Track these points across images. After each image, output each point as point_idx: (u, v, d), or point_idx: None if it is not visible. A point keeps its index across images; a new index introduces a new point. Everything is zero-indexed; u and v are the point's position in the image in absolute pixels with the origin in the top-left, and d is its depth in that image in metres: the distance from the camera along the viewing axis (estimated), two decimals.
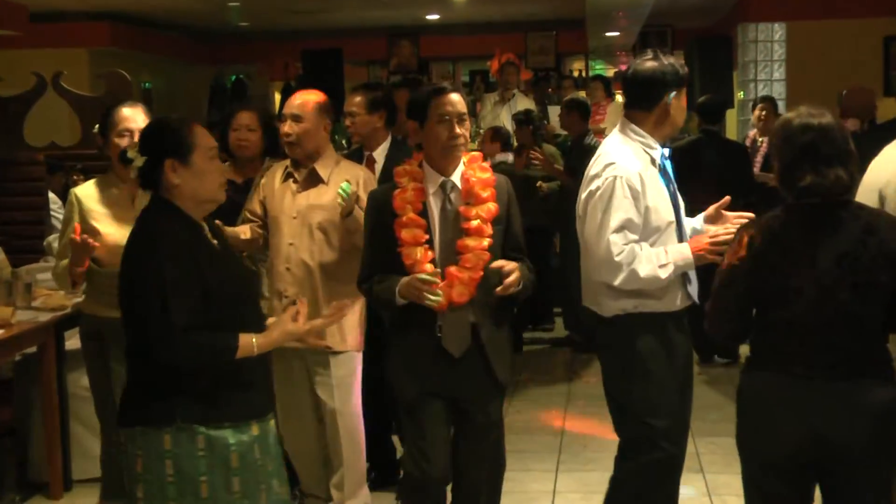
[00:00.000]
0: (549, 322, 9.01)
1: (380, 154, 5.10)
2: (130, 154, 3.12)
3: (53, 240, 6.46)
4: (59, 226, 6.96)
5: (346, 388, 4.54)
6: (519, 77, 10.41)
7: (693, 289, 3.81)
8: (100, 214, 4.32)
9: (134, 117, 4.32)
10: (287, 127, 4.48)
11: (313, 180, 4.50)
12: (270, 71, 16.66)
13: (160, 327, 2.91)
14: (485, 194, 3.74)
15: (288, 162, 4.59)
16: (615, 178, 3.63)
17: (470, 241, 3.69)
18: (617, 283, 3.62)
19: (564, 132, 9.16)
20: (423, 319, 3.66)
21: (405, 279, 3.62)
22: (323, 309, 4.28)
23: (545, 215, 8.20)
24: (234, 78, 17.24)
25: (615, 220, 3.61)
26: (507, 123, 9.14)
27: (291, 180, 4.53)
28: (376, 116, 5.05)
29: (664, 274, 3.63)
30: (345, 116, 5.13)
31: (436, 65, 16.76)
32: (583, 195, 3.73)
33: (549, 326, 9.01)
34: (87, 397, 4.82)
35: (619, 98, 12.36)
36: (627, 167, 3.66)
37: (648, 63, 3.74)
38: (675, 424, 3.77)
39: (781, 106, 13.07)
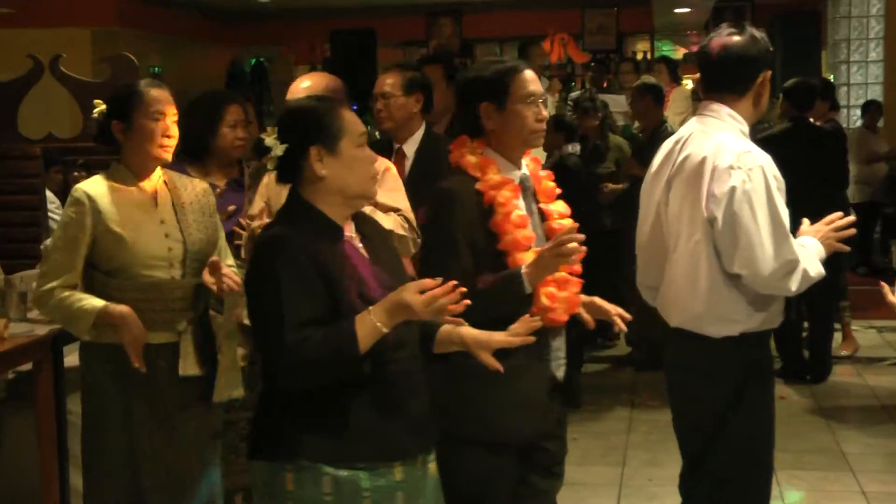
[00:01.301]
0: (610, 338, 8.97)
1: (410, 147, 4.96)
2: (269, 142, 3.03)
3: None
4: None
5: None
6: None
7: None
8: (121, 219, 3.92)
9: (166, 99, 4.06)
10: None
11: None
12: (295, 54, 16.73)
13: (276, 350, 2.83)
14: (557, 191, 3.69)
15: None
16: (762, 167, 3.53)
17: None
18: (794, 287, 3.52)
19: (622, 123, 9.13)
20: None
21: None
22: None
23: (608, 217, 8.17)
24: (253, 62, 17.35)
25: (781, 215, 3.51)
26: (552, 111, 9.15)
27: None
28: (413, 99, 4.91)
29: (819, 269, 3.58)
30: (374, 100, 4.99)
31: (480, 46, 16.75)
32: (715, 190, 3.55)
33: (610, 343, 8.97)
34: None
35: (688, 84, 12.31)
36: (764, 155, 3.58)
37: (737, 38, 3.65)
38: (771, 460, 3.76)
39: (878, 92, 12.96)
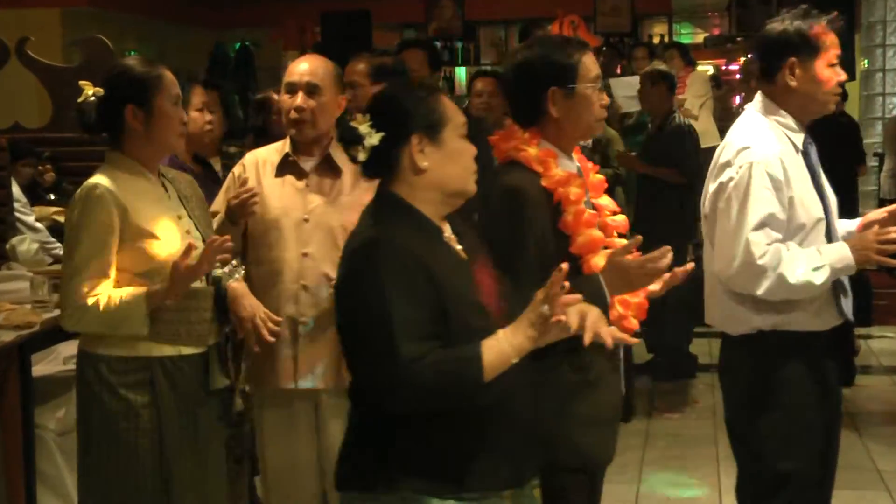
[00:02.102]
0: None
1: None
2: (363, 129, 2.89)
3: (18, 242, 6.48)
4: (24, 228, 7.01)
5: None
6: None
7: (847, 303, 3.77)
8: (147, 216, 3.78)
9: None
10: (300, 100, 4.27)
11: (328, 170, 4.32)
12: (283, 37, 16.70)
13: (386, 366, 2.69)
14: (605, 184, 3.67)
15: (284, 147, 4.38)
16: (751, 164, 3.61)
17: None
18: (761, 291, 3.58)
19: (633, 111, 9.12)
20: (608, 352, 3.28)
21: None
22: None
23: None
24: (238, 45, 17.32)
25: (755, 215, 3.58)
26: None
27: (292, 172, 4.32)
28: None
29: (819, 279, 3.58)
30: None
31: (484, 29, 16.74)
32: (711, 187, 3.73)
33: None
34: (57, 440, 4.80)
35: (709, 69, 12.30)
36: (765, 151, 3.64)
37: (778, 25, 3.78)
38: (812, 471, 3.75)
39: None
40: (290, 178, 4.31)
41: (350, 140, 2.93)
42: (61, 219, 6.68)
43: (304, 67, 4.31)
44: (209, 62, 16.69)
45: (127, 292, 3.68)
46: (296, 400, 4.27)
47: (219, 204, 4.34)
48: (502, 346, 2.69)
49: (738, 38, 15.09)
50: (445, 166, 2.90)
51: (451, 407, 2.75)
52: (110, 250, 3.69)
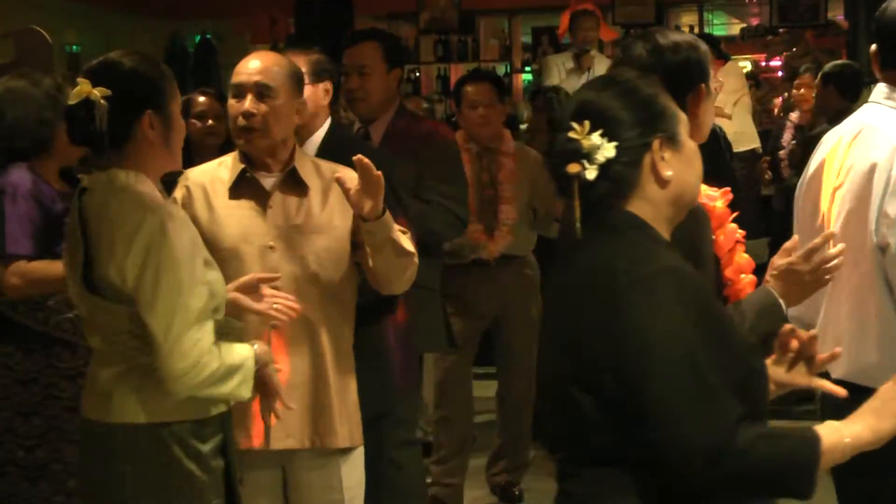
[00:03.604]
0: None
1: (312, 147, 4.80)
2: (590, 141, 2.70)
3: None
4: None
5: None
6: (598, 34, 10.39)
7: None
8: (199, 242, 3.76)
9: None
10: (248, 104, 4.18)
11: (293, 187, 4.25)
12: (251, 29, 16.73)
13: (714, 432, 2.52)
14: None
15: (233, 160, 4.31)
16: None
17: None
18: None
19: None
20: None
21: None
22: (333, 393, 4.22)
23: None
24: (198, 38, 17.35)
25: None
26: None
27: (249, 191, 4.24)
28: (321, 88, 4.86)
29: None
30: None
31: (485, 19, 16.73)
32: (890, 211, 3.52)
33: None
34: None
35: (746, 66, 12.30)
36: None
37: None
38: None
39: None
40: (247, 200, 4.22)
41: (566, 155, 2.73)
42: None
43: (253, 66, 4.23)
44: (164, 58, 16.70)
45: (231, 345, 3.64)
46: (262, 464, 4.22)
47: None
48: (841, 432, 2.62)
49: (781, 30, 15.08)
50: (685, 173, 2.80)
51: (767, 494, 2.64)
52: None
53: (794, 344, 2.95)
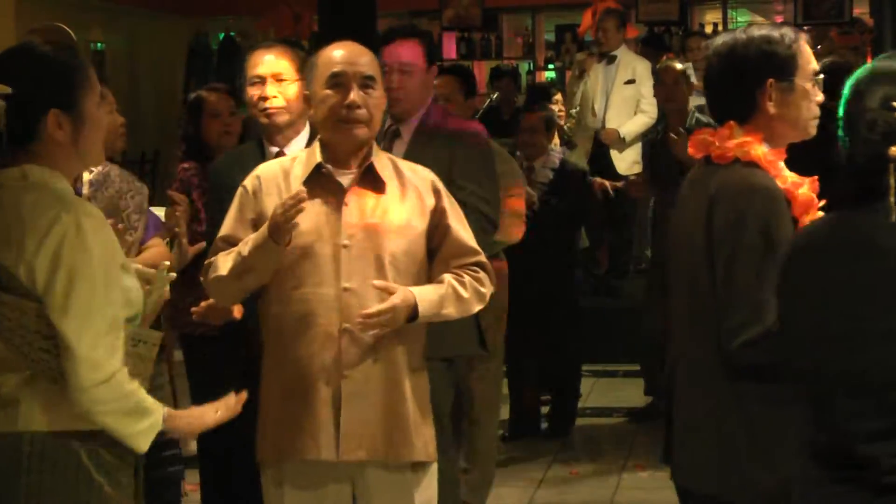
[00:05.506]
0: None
1: (295, 148, 4.79)
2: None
3: None
4: None
5: None
6: (623, 33, 10.43)
7: None
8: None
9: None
10: (355, 95, 4.10)
11: (370, 185, 4.14)
12: (275, 27, 16.78)
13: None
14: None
15: (307, 155, 4.22)
16: None
17: None
18: None
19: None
20: None
21: None
22: (409, 402, 4.11)
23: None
24: (221, 36, 17.39)
25: None
26: None
27: (325, 187, 4.12)
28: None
29: None
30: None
31: (507, 17, 16.75)
32: None
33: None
34: None
35: None
36: None
37: None
38: None
39: None
40: (322, 196, 4.11)
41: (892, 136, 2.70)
42: None
43: (353, 56, 4.21)
44: (187, 55, 16.74)
45: None
46: (329, 477, 4.11)
47: (229, 227, 4.20)
48: None
49: (806, 28, 15.11)
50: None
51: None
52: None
53: None
